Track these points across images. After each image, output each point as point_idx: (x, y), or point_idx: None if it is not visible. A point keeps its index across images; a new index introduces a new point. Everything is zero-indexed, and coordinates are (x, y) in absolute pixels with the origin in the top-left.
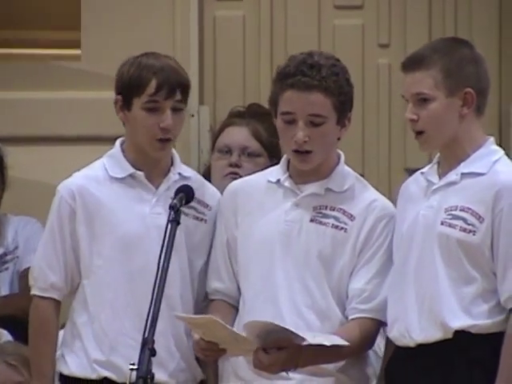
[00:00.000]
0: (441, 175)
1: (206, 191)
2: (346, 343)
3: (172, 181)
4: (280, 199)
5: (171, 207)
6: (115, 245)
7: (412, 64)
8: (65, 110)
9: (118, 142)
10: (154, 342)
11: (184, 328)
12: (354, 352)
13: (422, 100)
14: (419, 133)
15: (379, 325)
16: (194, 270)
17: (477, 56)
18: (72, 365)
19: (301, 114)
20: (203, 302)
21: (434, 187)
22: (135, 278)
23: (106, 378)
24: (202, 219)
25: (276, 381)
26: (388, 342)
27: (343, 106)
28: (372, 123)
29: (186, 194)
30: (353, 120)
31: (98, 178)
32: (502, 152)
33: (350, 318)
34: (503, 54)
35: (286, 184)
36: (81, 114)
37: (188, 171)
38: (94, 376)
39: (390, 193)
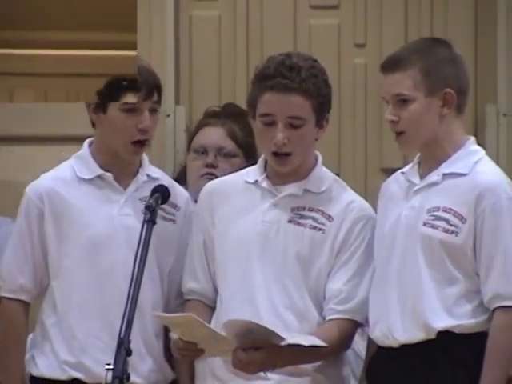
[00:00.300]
0: (422, 176)
1: (175, 192)
2: (324, 344)
3: (141, 182)
4: (258, 200)
5: (147, 207)
6: (83, 246)
7: (391, 65)
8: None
9: (86, 143)
10: (130, 341)
11: (153, 329)
12: (332, 352)
13: (402, 101)
14: (399, 134)
15: (356, 326)
16: (163, 270)
17: (455, 56)
18: (42, 366)
19: (280, 116)
20: (176, 300)
21: (416, 188)
22: (103, 278)
23: (75, 379)
24: (170, 220)
25: (254, 381)
26: (370, 342)
27: (322, 107)
28: (348, 123)
29: (161, 194)
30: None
31: (65, 178)
32: (482, 152)
33: (328, 318)
34: (479, 54)
35: (264, 185)
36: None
37: (156, 172)
38: (63, 377)
39: (366, 193)
